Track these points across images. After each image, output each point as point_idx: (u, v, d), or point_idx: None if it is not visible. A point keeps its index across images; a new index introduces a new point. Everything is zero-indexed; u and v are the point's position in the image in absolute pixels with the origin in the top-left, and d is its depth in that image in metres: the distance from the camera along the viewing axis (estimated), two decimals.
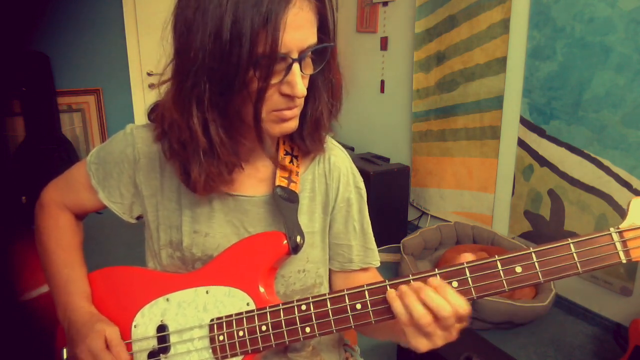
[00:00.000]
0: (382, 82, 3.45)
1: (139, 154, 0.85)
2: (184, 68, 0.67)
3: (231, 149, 0.73)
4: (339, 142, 0.94)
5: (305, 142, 0.82)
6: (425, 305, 0.62)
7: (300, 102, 0.73)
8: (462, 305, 0.62)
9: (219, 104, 0.68)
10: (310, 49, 0.69)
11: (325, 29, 0.72)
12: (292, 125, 0.74)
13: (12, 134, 3.50)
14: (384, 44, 3.36)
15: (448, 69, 2.85)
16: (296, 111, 0.73)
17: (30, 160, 3.45)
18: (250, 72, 0.65)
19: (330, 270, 0.92)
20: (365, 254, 0.90)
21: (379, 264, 0.92)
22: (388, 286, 0.67)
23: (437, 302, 0.62)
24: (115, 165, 0.88)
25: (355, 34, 3.63)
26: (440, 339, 0.64)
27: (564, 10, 2.19)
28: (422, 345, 0.64)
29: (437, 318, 0.62)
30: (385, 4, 3.30)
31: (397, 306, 0.65)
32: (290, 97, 0.70)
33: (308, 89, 0.74)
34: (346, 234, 0.89)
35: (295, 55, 0.67)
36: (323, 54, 0.72)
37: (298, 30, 0.65)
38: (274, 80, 0.67)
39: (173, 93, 0.71)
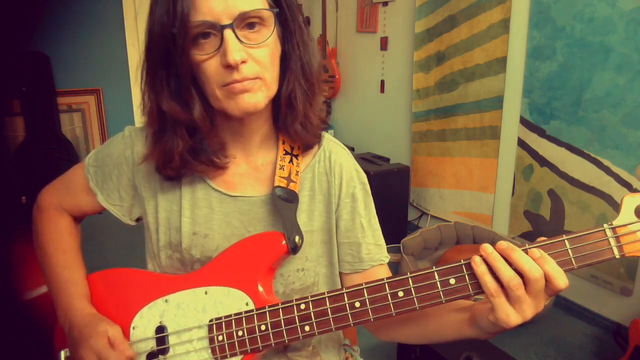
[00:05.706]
0: (382, 82, 3.45)
1: (137, 156, 0.85)
2: (147, 58, 0.75)
3: (210, 122, 0.77)
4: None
5: (291, 128, 0.81)
6: (514, 267, 0.61)
7: (250, 73, 0.71)
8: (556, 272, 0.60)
9: (173, 84, 0.74)
10: (244, 15, 0.69)
11: (278, 1, 0.73)
12: (249, 101, 0.72)
13: (12, 134, 3.50)
14: (384, 44, 3.36)
15: (448, 69, 2.85)
16: (248, 85, 0.71)
17: (30, 160, 3.46)
18: (184, 46, 0.69)
19: (341, 274, 0.90)
20: (375, 252, 0.88)
21: (388, 259, 0.90)
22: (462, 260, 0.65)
23: (528, 264, 0.60)
24: (114, 167, 0.88)
25: (355, 34, 3.62)
26: (530, 309, 0.61)
27: (564, 10, 2.19)
28: (512, 317, 0.61)
29: (526, 281, 0.60)
30: (385, 4, 3.30)
31: (484, 272, 0.62)
32: (230, 67, 0.69)
33: (281, 72, 0.76)
34: (353, 231, 0.87)
35: (226, 22, 0.68)
36: (268, 23, 0.72)
37: None
38: (209, 51, 0.69)
39: (146, 81, 0.77)
